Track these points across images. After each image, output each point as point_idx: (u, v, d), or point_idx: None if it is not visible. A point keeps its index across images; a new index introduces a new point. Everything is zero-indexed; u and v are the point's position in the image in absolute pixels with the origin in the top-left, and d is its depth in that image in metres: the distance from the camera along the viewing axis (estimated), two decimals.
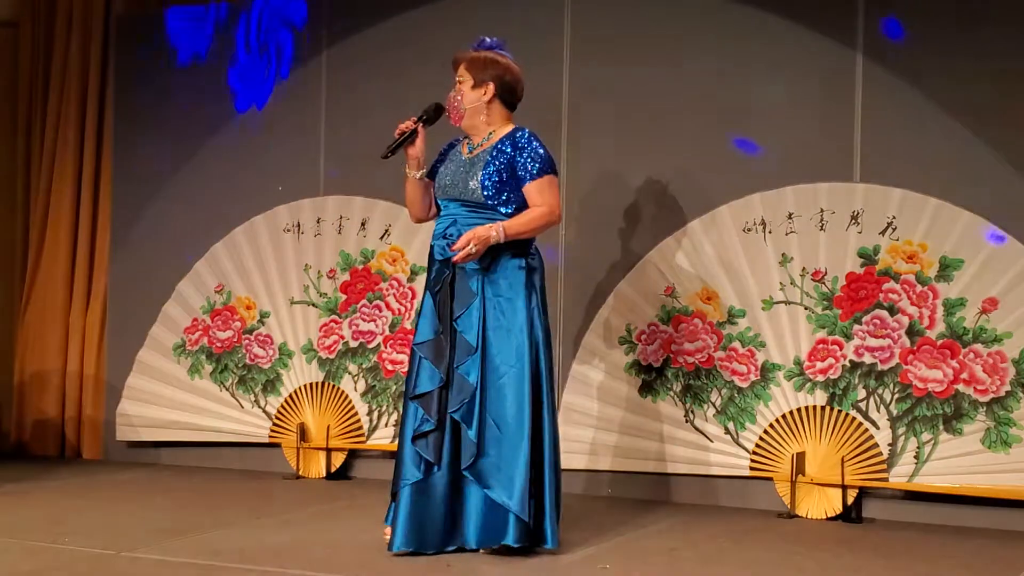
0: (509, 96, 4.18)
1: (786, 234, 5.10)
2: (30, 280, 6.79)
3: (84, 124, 6.70)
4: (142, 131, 6.50)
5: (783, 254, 5.09)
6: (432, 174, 4.26)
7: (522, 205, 4.10)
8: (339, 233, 5.97)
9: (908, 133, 4.96)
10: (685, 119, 5.33)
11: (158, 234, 6.42)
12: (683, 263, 5.25)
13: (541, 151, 4.10)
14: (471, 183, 4.07)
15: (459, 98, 4.15)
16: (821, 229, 5.04)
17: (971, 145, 4.85)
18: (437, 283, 4.10)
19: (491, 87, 4.13)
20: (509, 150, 4.08)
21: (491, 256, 4.04)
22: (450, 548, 4.00)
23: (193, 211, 6.34)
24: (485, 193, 4.06)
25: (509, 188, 4.08)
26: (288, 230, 6.10)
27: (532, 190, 4.08)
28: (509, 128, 4.17)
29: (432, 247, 4.16)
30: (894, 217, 4.92)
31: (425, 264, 4.36)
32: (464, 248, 3.96)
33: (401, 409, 5.63)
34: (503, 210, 4.08)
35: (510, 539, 3.94)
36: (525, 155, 4.07)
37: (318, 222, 6.03)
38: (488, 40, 4.22)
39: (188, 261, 6.29)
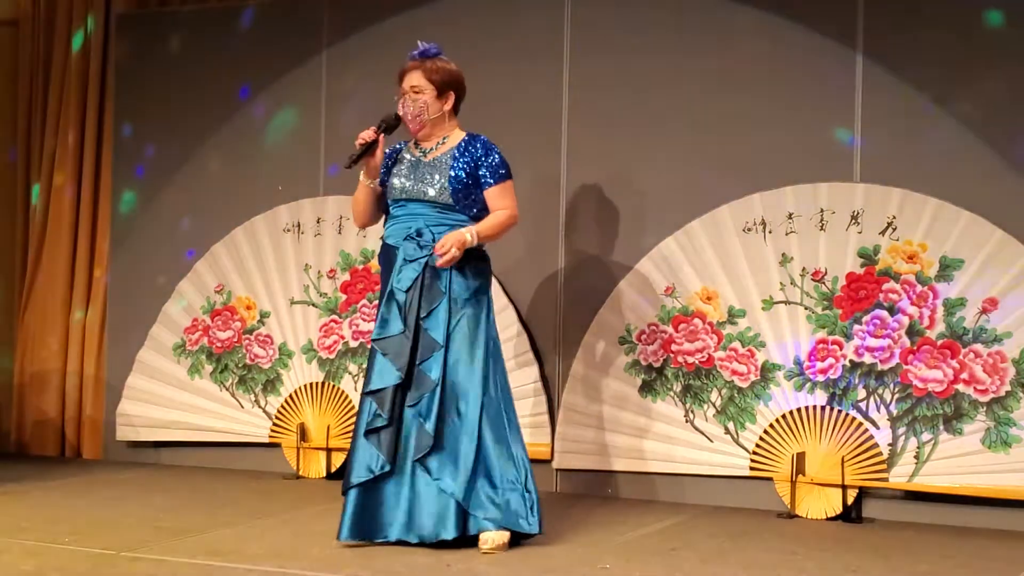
0: (459, 102, 4.34)
1: (786, 234, 5.10)
2: (30, 280, 6.78)
3: (84, 124, 6.70)
4: (142, 131, 6.50)
5: (783, 254, 5.09)
6: (383, 181, 4.35)
7: (483, 207, 4.24)
8: (339, 233, 5.97)
9: (908, 133, 4.96)
10: (685, 118, 5.33)
11: (158, 234, 6.42)
12: (683, 263, 5.25)
13: (499, 158, 4.26)
14: (436, 186, 4.19)
15: (423, 108, 4.23)
16: (821, 229, 5.03)
17: (971, 145, 4.85)
18: (409, 282, 4.17)
19: (452, 96, 4.26)
20: (472, 155, 4.22)
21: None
22: (399, 537, 4.08)
23: (193, 211, 6.34)
24: (454, 197, 4.18)
25: (472, 191, 4.22)
26: (288, 230, 6.09)
27: (494, 194, 4.23)
28: (457, 132, 4.30)
29: (390, 246, 4.25)
30: (894, 217, 4.91)
31: None
32: (448, 253, 4.07)
33: None
34: (466, 212, 4.22)
35: (457, 531, 4.04)
36: (488, 161, 4.23)
37: (318, 222, 6.02)
38: (431, 48, 4.29)
39: (188, 261, 6.29)
